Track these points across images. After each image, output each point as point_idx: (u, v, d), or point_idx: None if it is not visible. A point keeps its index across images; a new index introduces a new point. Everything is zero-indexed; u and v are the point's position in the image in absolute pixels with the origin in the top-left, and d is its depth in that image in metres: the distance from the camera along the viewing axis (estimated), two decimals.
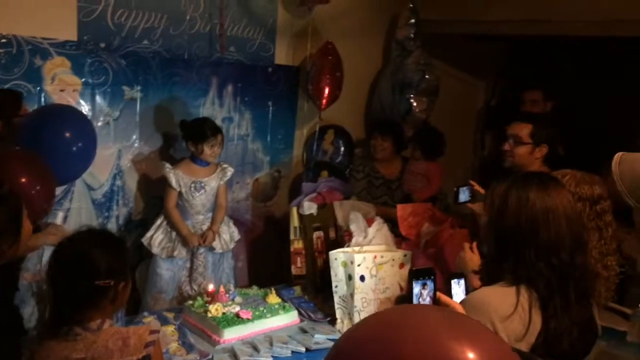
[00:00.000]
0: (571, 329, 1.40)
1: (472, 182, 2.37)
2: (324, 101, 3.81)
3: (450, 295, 1.56)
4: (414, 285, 1.31)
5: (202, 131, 3.09)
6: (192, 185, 3.13)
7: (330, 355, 0.79)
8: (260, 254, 3.93)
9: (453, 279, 1.60)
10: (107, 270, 1.58)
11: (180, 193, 3.13)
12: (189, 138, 3.13)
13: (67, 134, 2.62)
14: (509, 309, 1.38)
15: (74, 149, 2.64)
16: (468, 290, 1.65)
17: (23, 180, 2.18)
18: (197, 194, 3.15)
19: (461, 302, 1.44)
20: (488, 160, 5.22)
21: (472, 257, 1.92)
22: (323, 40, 3.87)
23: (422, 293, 1.31)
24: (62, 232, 2.57)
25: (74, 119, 2.75)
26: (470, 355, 0.67)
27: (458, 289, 1.59)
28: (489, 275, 1.50)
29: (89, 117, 3.03)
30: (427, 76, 4.12)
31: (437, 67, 4.33)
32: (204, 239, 3.15)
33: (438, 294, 1.33)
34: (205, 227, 3.19)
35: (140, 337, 1.58)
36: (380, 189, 3.91)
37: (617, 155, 1.00)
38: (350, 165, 4.16)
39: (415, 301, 1.31)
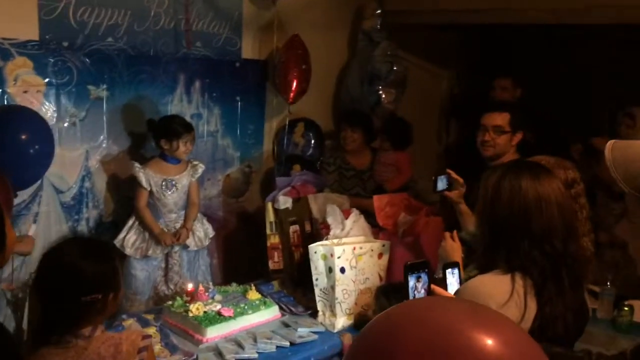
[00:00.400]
0: (565, 313, 1.44)
1: (449, 171, 2.41)
2: (292, 94, 3.80)
3: (445, 285, 1.59)
4: (409, 278, 1.33)
5: (174, 128, 3.05)
6: (163, 183, 3.09)
7: (358, 342, 0.80)
8: (234, 250, 3.91)
9: (447, 268, 1.63)
10: (94, 283, 1.54)
11: (151, 192, 3.08)
12: (161, 136, 3.08)
13: (21, 135, 2.53)
14: (505, 296, 1.42)
15: (30, 150, 2.57)
16: (462, 280, 1.68)
17: None
18: (169, 193, 3.11)
19: (457, 292, 1.47)
20: (452, 148, 5.32)
21: (454, 246, 1.95)
22: (289, 33, 3.85)
23: (417, 286, 1.34)
24: (31, 241, 2.51)
25: (26, 119, 2.66)
26: (490, 342, 0.69)
27: (452, 278, 1.62)
28: (483, 263, 1.53)
29: (53, 118, 2.95)
30: (395, 67, 4.16)
31: (402, 56, 4.38)
32: (177, 237, 3.12)
33: (432, 286, 1.35)
34: (178, 226, 3.16)
35: (132, 343, 1.56)
36: (352, 180, 3.93)
37: (610, 143, 1.03)
38: (321, 158, 4.17)
39: (411, 294, 1.33)
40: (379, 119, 4.16)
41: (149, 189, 3.05)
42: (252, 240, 3.79)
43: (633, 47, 3.95)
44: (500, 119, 2.64)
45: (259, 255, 3.36)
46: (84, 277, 1.53)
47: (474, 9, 3.91)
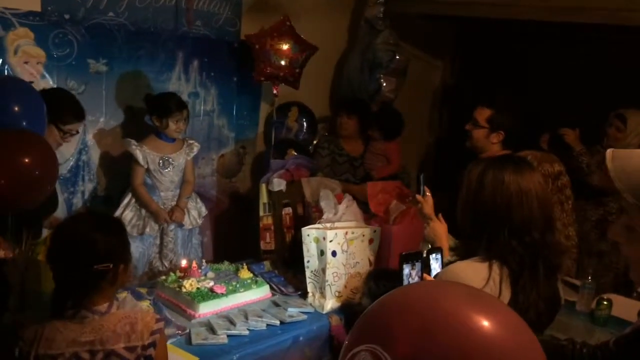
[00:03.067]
0: (538, 302, 1.52)
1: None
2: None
3: (429, 270, 1.66)
4: (404, 267, 1.40)
5: (167, 106, 3.07)
6: (160, 161, 3.12)
7: (357, 331, 0.85)
8: (226, 229, 3.96)
9: (431, 253, 1.70)
10: (105, 254, 1.59)
11: (147, 170, 3.11)
12: (153, 112, 3.10)
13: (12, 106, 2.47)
14: (481, 282, 1.49)
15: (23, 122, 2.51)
16: (444, 265, 1.75)
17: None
18: (165, 170, 3.14)
19: (435, 276, 1.54)
20: (444, 138, 5.40)
21: (440, 226, 2.02)
22: (289, 17, 3.86)
23: (411, 274, 1.40)
24: None
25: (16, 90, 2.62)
26: (486, 323, 0.75)
27: (436, 263, 1.69)
28: (464, 251, 1.60)
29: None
30: (397, 57, 4.20)
31: (402, 46, 4.43)
32: (171, 215, 3.16)
33: (424, 275, 1.42)
34: (174, 204, 3.20)
35: (147, 324, 1.61)
36: (344, 166, 3.99)
37: (609, 152, 1.07)
38: (315, 142, 4.22)
39: (405, 281, 1.40)
40: (378, 108, 4.21)
41: (145, 166, 3.08)
42: (243, 220, 3.85)
43: (630, 48, 4.02)
44: (480, 113, 2.71)
45: (249, 235, 3.41)
46: (96, 247, 1.58)
47: (471, 2, 3.97)
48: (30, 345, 1.55)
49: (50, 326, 1.57)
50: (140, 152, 3.04)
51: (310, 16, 4.06)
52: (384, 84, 4.22)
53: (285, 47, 3.65)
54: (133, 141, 3.07)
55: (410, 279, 1.43)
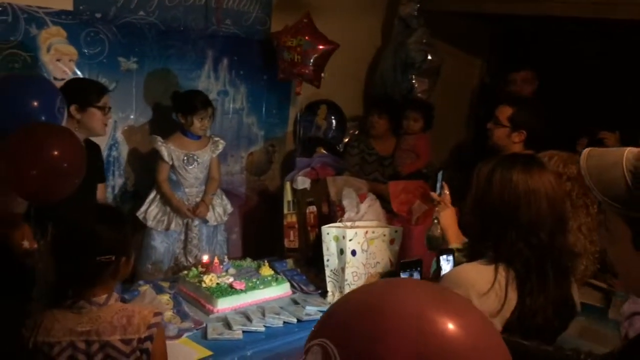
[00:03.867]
0: (546, 306, 1.46)
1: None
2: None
3: (440, 271, 1.62)
4: (401, 275, 1.37)
5: (192, 103, 3.11)
6: (185, 158, 3.16)
7: (318, 325, 0.84)
8: (254, 226, 3.99)
9: (442, 254, 1.66)
10: (108, 246, 1.61)
11: (172, 166, 3.16)
12: (179, 109, 3.15)
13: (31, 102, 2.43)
14: (486, 285, 1.44)
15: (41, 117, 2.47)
16: (456, 265, 1.71)
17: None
18: (190, 167, 3.19)
19: (441, 278, 1.50)
20: (478, 138, 5.29)
21: (450, 214, 1.97)
22: (318, 14, 3.85)
23: None
24: None
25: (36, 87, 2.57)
26: (451, 326, 0.71)
27: (447, 265, 1.65)
28: (472, 252, 1.55)
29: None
30: (429, 57, 4.14)
31: (437, 45, 4.36)
32: (196, 210, 3.20)
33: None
34: (198, 200, 3.24)
35: (144, 318, 1.62)
36: (373, 165, 3.96)
37: (586, 150, 1.04)
38: (345, 141, 4.20)
39: None
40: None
41: (170, 162, 3.13)
42: (271, 217, 3.86)
43: None
44: (501, 111, 2.65)
45: (276, 233, 3.42)
46: (99, 239, 1.61)
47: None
48: (30, 331, 1.59)
49: (50, 315, 1.60)
50: (166, 149, 3.09)
51: (343, 14, 4.05)
52: (416, 85, 4.17)
53: (295, 43, 3.65)
54: (159, 138, 3.12)
55: None
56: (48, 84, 2.48)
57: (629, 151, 1.00)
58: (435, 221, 1.98)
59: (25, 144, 2.16)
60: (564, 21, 3.73)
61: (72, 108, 2.55)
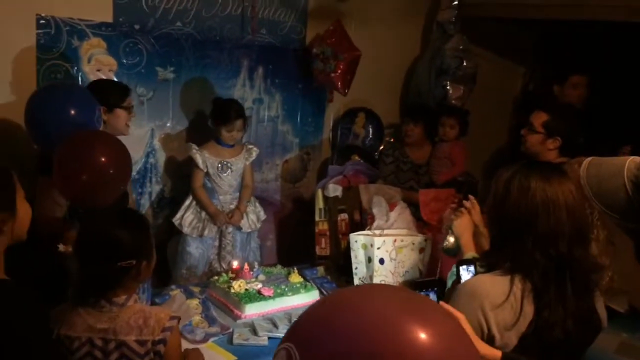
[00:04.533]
0: (565, 319, 1.39)
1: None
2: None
3: (459, 282, 1.58)
4: None
5: (223, 113, 3.17)
6: (219, 165, 3.22)
7: (288, 330, 0.84)
8: (289, 233, 4.01)
9: (462, 265, 1.62)
10: (129, 251, 1.64)
11: (207, 173, 3.22)
12: (213, 116, 3.22)
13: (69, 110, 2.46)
14: (501, 297, 1.39)
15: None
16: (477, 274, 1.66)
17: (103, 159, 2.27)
18: (224, 175, 3.24)
19: (457, 289, 1.46)
20: (516, 145, 5.15)
21: (468, 223, 1.91)
22: (357, 23, 3.86)
23: None
24: None
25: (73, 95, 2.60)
26: (423, 336, 0.70)
27: (467, 275, 1.61)
28: (489, 262, 1.51)
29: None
30: (464, 63, 4.08)
31: (475, 52, 4.29)
32: (230, 217, 3.24)
33: (441, 303, 1.35)
34: (232, 207, 3.29)
35: (159, 321, 1.65)
36: (408, 173, 3.92)
37: (587, 160, 0.99)
38: (380, 149, 4.17)
39: None
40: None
41: (205, 170, 3.19)
42: (305, 225, 3.87)
43: None
44: (536, 118, 2.58)
45: (310, 240, 3.43)
46: (120, 244, 1.65)
47: (548, 4, 3.77)
48: (54, 324, 1.64)
49: (74, 310, 1.66)
50: (200, 156, 3.16)
51: (381, 22, 4.04)
52: (451, 91, 4.11)
53: (320, 51, 3.69)
54: (194, 145, 3.19)
55: None
56: (88, 94, 2.57)
57: (631, 160, 0.96)
58: (450, 231, 1.93)
59: (75, 151, 2.25)
60: (612, 26, 3.60)
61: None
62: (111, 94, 2.67)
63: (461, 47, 4.11)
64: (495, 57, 4.84)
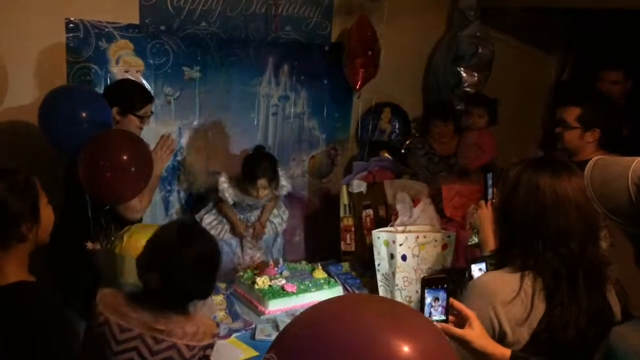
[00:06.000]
0: (578, 318, 1.37)
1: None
2: (359, 81, 3.76)
3: (471, 279, 1.57)
4: (426, 294, 1.32)
5: (250, 171, 3.07)
6: (246, 205, 3.20)
7: (273, 342, 0.85)
8: (316, 229, 4.03)
9: (474, 263, 1.60)
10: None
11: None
12: (243, 174, 3.14)
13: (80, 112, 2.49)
14: (511, 294, 1.38)
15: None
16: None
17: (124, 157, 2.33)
18: (250, 213, 3.25)
19: (468, 287, 1.45)
20: (546, 137, 5.03)
21: (487, 215, 1.88)
22: (382, 17, 3.84)
23: (434, 302, 1.33)
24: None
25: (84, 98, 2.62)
26: (405, 348, 0.69)
27: (478, 273, 1.60)
28: (499, 260, 1.49)
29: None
30: (480, 50, 4.01)
31: (500, 40, 4.21)
32: (252, 230, 3.24)
33: (451, 299, 1.34)
34: (254, 218, 3.27)
35: (209, 327, 1.75)
36: (439, 165, 3.90)
37: (593, 160, 0.95)
38: (408, 142, 4.15)
39: (427, 310, 1.32)
40: (459, 102, 4.07)
41: (231, 203, 3.17)
42: (332, 220, 3.88)
43: None
44: (568, 113, 2.49)
45: (336, 236, 3.44)
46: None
47: None
48: (104, 308, 1.71)
49: (130, 302, 1.73)
50: (229, 194, 3.12)
51: (404, 16, 4.00)
52: (465, 77, 4.05)
53: (345, 45, 3.72)
54: (223, 180, 3.12)
55: (432, 309, 1.34)
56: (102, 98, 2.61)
57: (638, 161, 0.93)
58: (474, 229, 1.92)
59: (100, 149, 2.33)
60: None
61: (114, 110, 2.60)
62: (129, 98, 2.65)
63: (478, 34, 4.04)
64: (523, 45, 4.73)
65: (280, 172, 3.24)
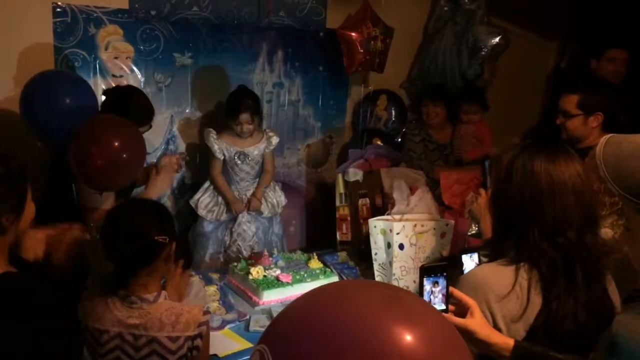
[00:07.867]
0: (576, 310, 1.30)
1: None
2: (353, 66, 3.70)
3: (462, 270, 1.51)
4: (425, 282, 1.26)
5: (229, 107, 3.12)
6: (236, 155, 3.18)
7: (262, 335, 0.80)
8: (312, 218, 3.97)
9: (464, 254, 1.54)
10: (162, 230, 1.65)
11: (224, 161, 3.19)
12: (225, 110, 3.18)
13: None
14: (506, 288, 1.31)
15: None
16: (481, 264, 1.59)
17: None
18: (241, 163, 3.20)
19: (458, 280, 1.38)
20: (544, 125, 4.98)
21: (483, 201, 1.82)
22: (376, 3, 3.76)
23: (433, 290, 1.27)
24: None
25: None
26: (408, 337, 0.64)
27: (471, 263, 1.53)
28: (493, 251, 1.42)
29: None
30: (497, 41, 3.98)
31: (500, 25, 4.15)
32: (248, 205, 3.21)
33: (451, 288, 1.28)
34: (250, 193, 3.25)
35: (194, 316, 1.65)
36: (435, 152, 3.86)
37: (604, 138, 0.89)
38: (404, 130, 4.09)
39: (426, 298, 1.26)
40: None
41: (222, 158, 3.16)
42: (329, 209, 3.83)
43: None
44: (567, 102, 2.43)
45: (333, 225, 3.39)
46: (152, 225, 1.66)
47: None
48: (83, 316, 1.67)
49: (103, 302, 1.67)
50: (217, 144, 3.12)
51: (400, 2, 3.93)
52: (486, 69, 4.01)
53: (378, 32, 3.61)
54: (212, 133, 3.15)
55: (432, 297, 1.28)
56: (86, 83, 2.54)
57: None
58: (474, 218, 1.85)
59: (92, 136, 2.25)
60: None
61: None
62: (128, 113, 2.49)
63: (494, 24, 3.99)
64: (521, 31, 4.66)
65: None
